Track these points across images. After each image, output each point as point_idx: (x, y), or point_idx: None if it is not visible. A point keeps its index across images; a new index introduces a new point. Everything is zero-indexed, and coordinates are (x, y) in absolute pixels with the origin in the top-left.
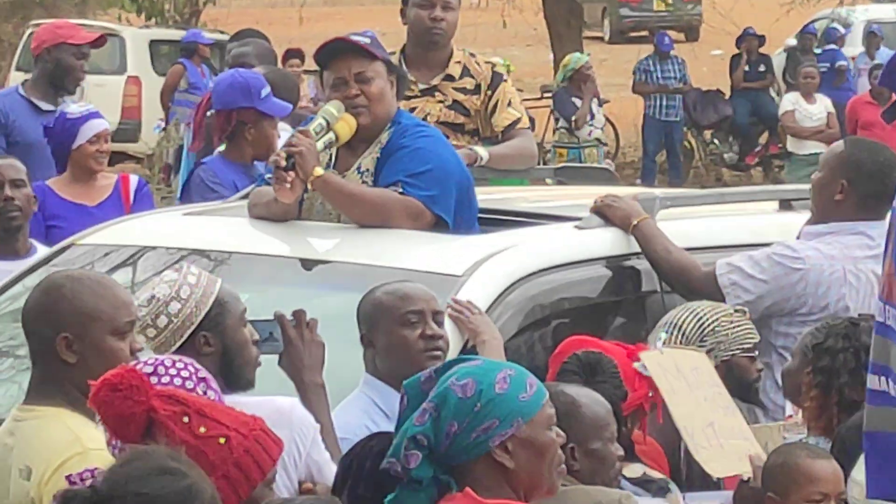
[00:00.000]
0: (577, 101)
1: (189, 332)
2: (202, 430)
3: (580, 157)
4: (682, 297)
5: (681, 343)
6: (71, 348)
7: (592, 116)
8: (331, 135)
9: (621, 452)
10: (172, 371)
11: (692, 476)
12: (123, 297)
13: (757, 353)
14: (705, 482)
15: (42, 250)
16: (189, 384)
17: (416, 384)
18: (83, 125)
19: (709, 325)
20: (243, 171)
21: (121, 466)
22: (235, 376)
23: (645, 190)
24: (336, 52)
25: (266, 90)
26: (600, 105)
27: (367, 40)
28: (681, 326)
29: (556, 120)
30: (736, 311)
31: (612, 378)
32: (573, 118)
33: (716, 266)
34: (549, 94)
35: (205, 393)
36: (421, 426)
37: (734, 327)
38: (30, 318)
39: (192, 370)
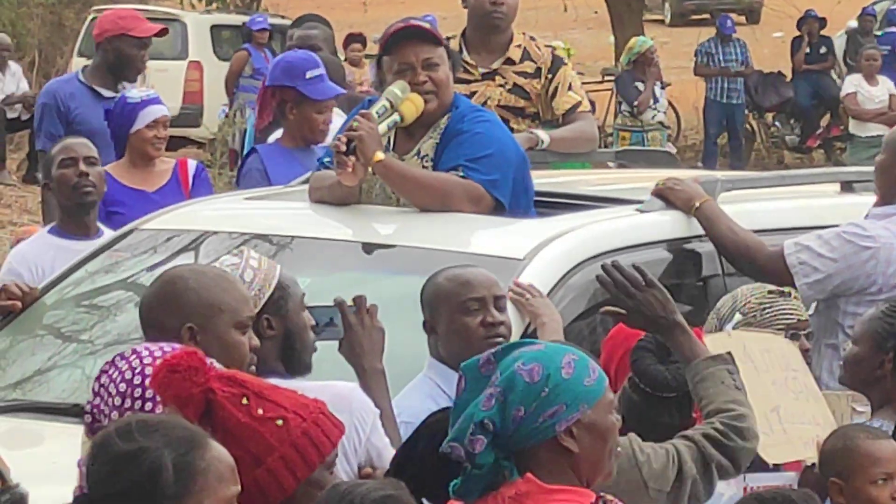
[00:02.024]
0: (640, 85)
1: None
2: (260, 411)
3: (643, 140)
4: (749, 277)
5: (715, 326)
6: (195, 339)
7: (656, 100)
8: (395, 116)
9: (618, 424)
10: (147, 360)
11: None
12: (245, 293)
13: (801, 332)
14: (765, 463)
15: (108, 234)
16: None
17: (475, 367)
18: (142, 110)
19: (741, 307)
20: (299, 158)
21: (91, 466)
22: (296, 360)
23: (706, 173)
24: (402, 38)
25: (314, 72)
26: (663, 88)
27: (428, 26)
28: (719, 309)
29: (619, 103)
30: (770, 291)
31: None
32: (636, 103)
33: (784, 246)
34: (611, 78)
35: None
36: (488, 411)
37: (765, 308)
38: (152, 309)
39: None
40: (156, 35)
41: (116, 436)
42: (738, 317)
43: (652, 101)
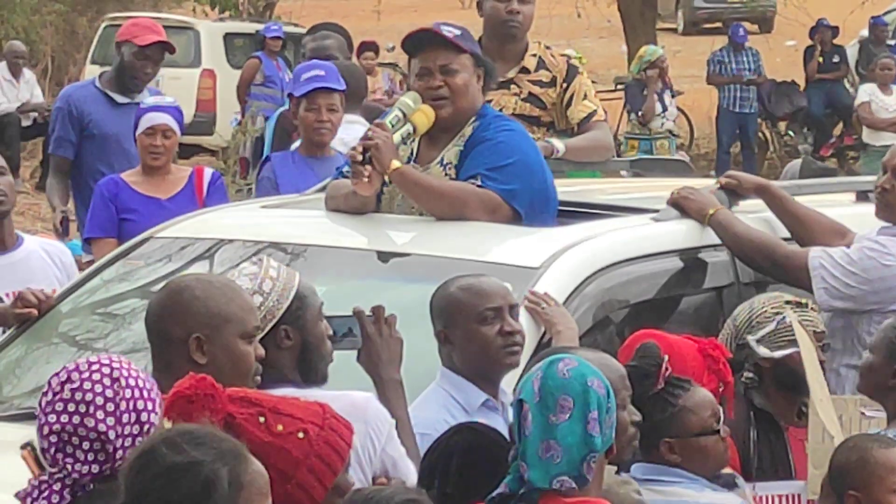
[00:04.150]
0: (654, 95)
1: (270, 325)
2: (280, 427)
3: (651, 148)
4: (768, 276)
5: (732, 334)
6: (202, 349)
7: (664, 108)
8: (408, 126)
9: (637, 417)
10: (85, 374)
11: (763, 466)
12: (250, 303)
13: (818, 344)
14: (775, 472)
15: (30, 241)
16: (98, 388)
17: (532, 397)
18: (143, 116)
19: (758, 316)
20: (312, 166)
21: (135, 477)
22: (312, 371)
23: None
24: (423, 43)
25: (308, 74)
26: (673, 96)
27: (458, 32)
28: (735, 317)
29: (628, 112)
30: (787, 302)
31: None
32: (640, 112)
33: (810, 248)
34: (623, 87)
35: (116, 394)
36: (600, 435)
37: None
38: (158, 318)
39: (107, 371)
40: (167, 49)
41: (165, 447)
42: (791, 313)
43: (660, 109)
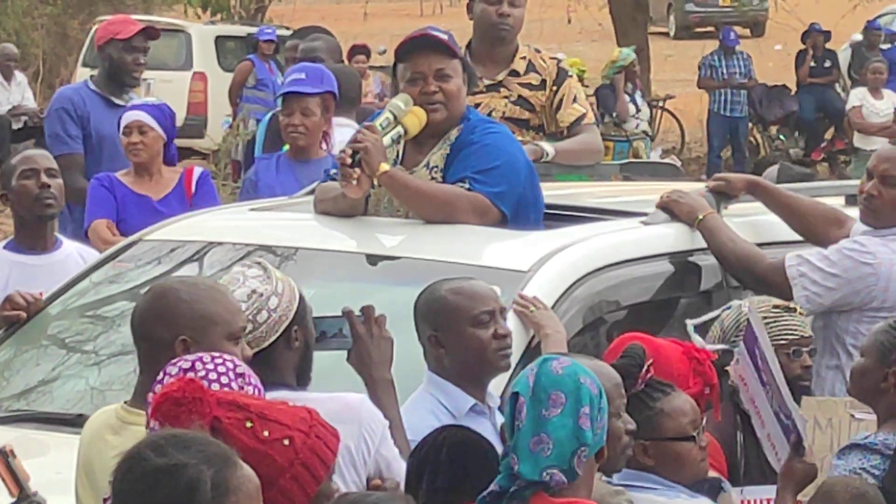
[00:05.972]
0: (624, 97)
1: (284, 326)
2: (265, 433)
3: (626, 150)
4: (748, 289)
5: (719, 337)
6: (188, 351)
7: (638, 109)
8: (399, 128)
9: (632, 426)
10: (210, 366)
11: (750, 470)
12: (236, 304)
13: (804, 349)
14: (763, 476)
15: (68, 244)
16: (224, 379)
17: (528, 392)
18: (122, 115)
19: (745, 320)
20: (295, 169)
21: (121, 480)
22: (306, 371)
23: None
24: (417, 47)
25: (290, 77)
26: (643, 98)
27: (445, 36)
28: (722, 321)
29: (602, 115)
30: (776, 306)
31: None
32: (615, 112)
33: (785, 258)
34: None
35: (241, 389)
36: (589, 430)
37: (770, 322)
38: (144, 321)
39: (231, 366)
40: (150, 36)
41: (150, 450)
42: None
43: (634, 111)
